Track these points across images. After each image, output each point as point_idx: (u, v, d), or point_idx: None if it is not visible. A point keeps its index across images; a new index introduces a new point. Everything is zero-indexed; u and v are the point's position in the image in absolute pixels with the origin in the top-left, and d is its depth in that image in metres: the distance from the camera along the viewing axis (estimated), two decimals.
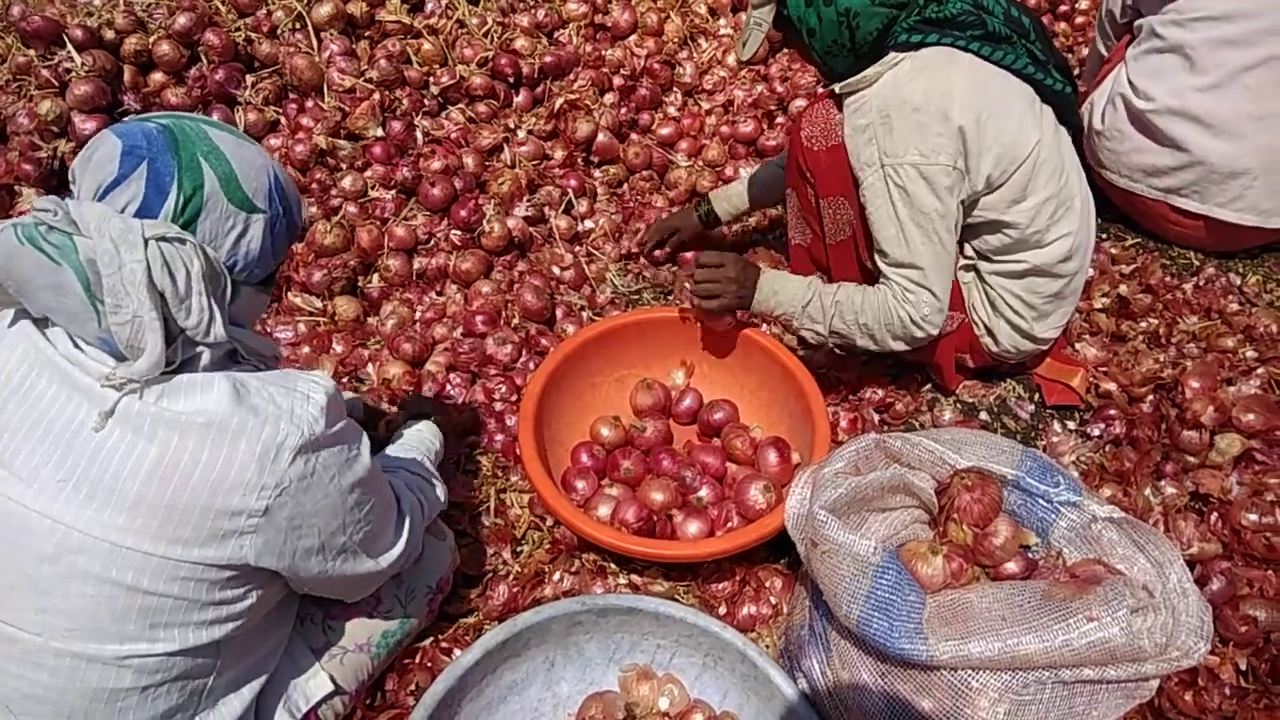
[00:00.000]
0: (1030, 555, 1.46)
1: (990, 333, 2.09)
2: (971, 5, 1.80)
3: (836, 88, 1.86)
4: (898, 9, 1.78)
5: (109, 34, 2.36)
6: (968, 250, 2.02)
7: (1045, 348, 2.17)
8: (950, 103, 1.74)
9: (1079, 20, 3.53)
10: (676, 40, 3.01)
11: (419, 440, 1.73)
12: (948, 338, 2.10)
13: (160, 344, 1.05)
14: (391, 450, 1.68)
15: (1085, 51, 3.37)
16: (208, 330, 1.10)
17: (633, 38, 2.98)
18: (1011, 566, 1.43)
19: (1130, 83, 2.56)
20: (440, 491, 1.63)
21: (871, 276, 1.99)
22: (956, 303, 2.06)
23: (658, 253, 2.62)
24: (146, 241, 1.04)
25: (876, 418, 2.21)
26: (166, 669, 1.16)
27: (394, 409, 2.00)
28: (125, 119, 1.23)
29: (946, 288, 1.87)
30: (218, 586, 1.16)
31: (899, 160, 1.77)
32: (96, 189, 1.09)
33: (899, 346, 1.94)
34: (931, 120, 1.75)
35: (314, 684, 1.43)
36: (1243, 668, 1.69)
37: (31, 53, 2.31)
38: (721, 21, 3.12)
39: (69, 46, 2.29)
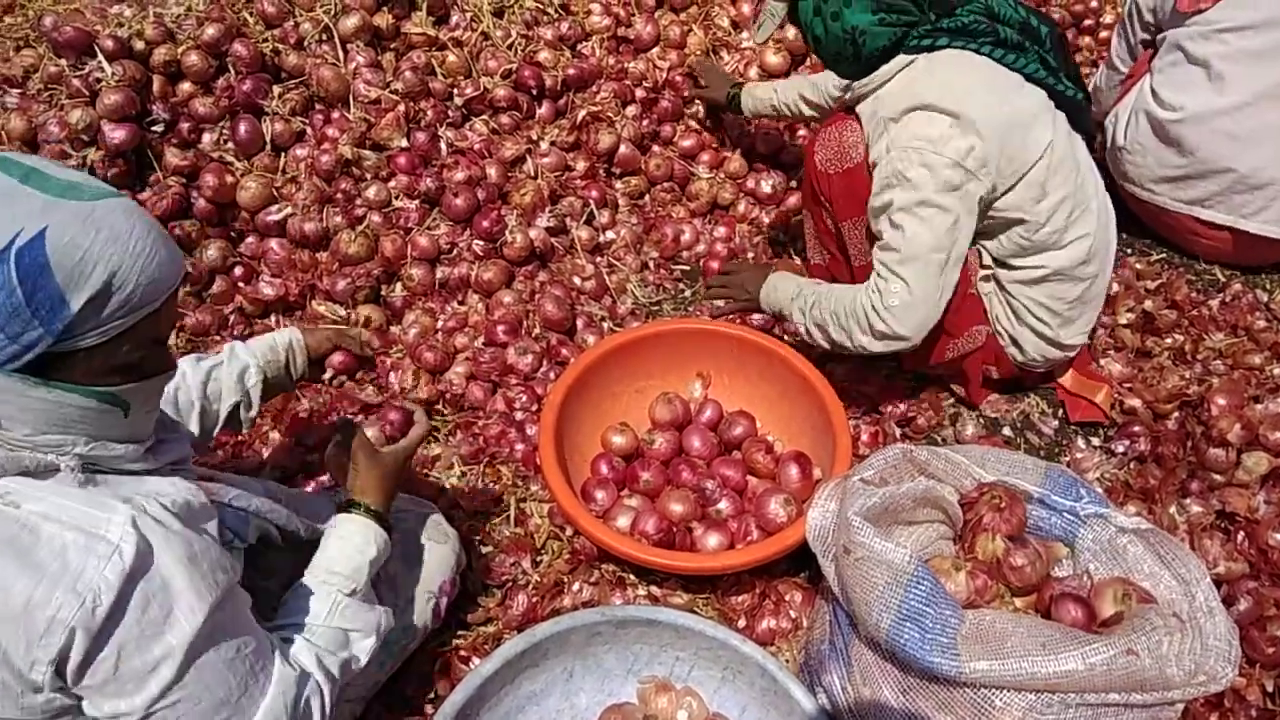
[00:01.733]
0: (1058, 575, 1.45)
1: (1015, 342, 2.08)
2: (984, 14, 1.82)
3: (847, 96, 1.90)
4: (907, 26, 1.80)
5: (139, 44, 2.38)
6: (985, 258, 2.01)
7: (1072, 354, 2.15)
8: (964, 100, 1.74)
9: (1103, 35, 3.51)
10: (699, 53, 3.02)
11: (341, 561, 1.32)
12: (975, 353, 2.09)
13: None
14: (309, 595, 1.29)
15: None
16: None
17: (655, 50, 2.99)
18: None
19: (1155, 95, 2.56)
20: (363, 646, 1.30)
21: None
22: (979, 316, 2.05)
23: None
24: None
25: (898, 432, 2.20)
26: None
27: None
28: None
29: (928, 287, 1.77)
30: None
31: (905, 146, 1.76)
32: None
33: (868, 342, 1.84)
34: (942, 115, 1.74)
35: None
36: (1269, 689, 1.66)
37: (63, 62, 2.34)
38: (744, 35, 3.12)
39: (100, 56, 2.31)
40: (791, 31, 2.75)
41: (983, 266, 2.02)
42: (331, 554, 1.34)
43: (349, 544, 1.34)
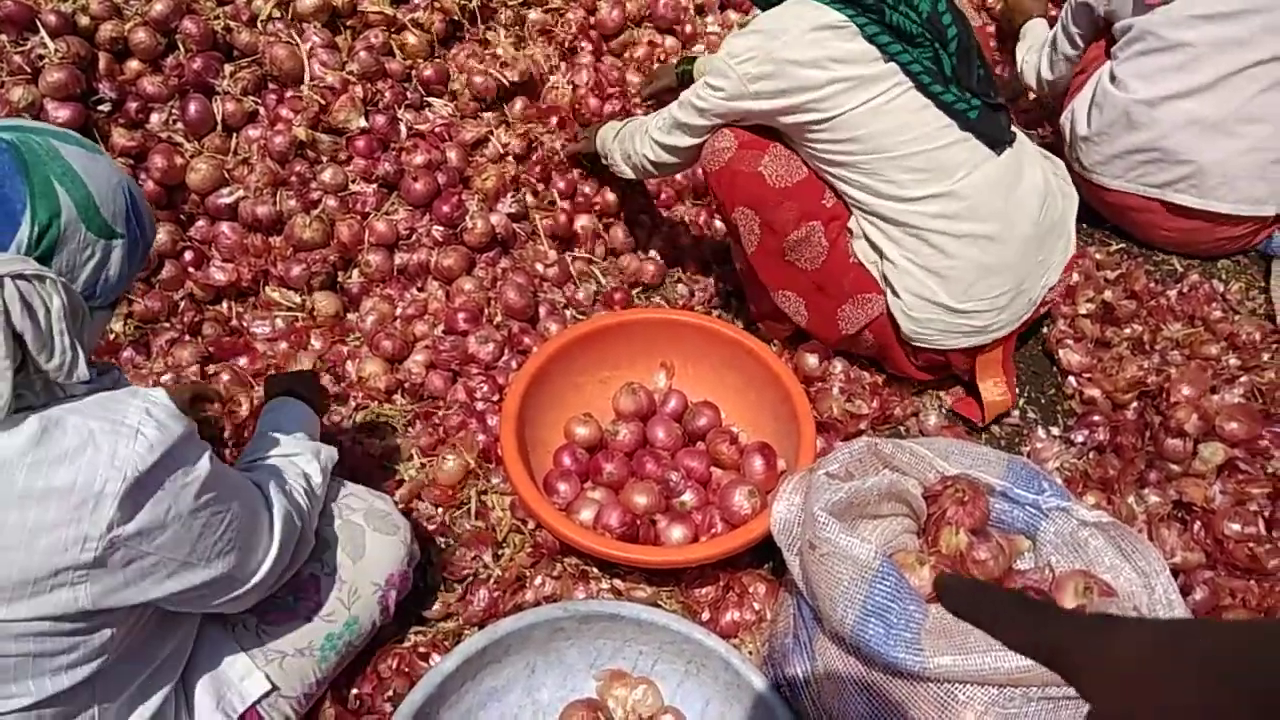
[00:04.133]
0: (1020, 569, 1.46)
1: (906, 312, 2.02)
2: None
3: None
4: None
5: (84, 20, 2.29)
6: (857, 226, 2.03)
7: (974, 331, 2.05)
8: (775, 28, 1.85)
9: None
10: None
11: (287, 419, 1.58)
12: (878, 323, 2.09)
13: (8, 392, 0.96)
14: (255, 445, 1.51)
15: None
16: (70, 371, 1.01)
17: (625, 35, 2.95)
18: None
19: (1117, 82, 2.54)
20: (316, 473, 1.47)
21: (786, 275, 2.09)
22: (868, 283, 2.05)
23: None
24: (2, 280, 0.94)
25: (862, 425, 2.19)
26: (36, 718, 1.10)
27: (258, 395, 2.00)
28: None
29: (676, 140, 2.10)
30: (62, 635, 1.07)
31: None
32: None
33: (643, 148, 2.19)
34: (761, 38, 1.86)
35: (249, 683, 1.37)
36: None
37: (3, 38, 2.25)
38: (709, 19, 3.09)
39: (42, 32, 2.22)
40: None
41: (851, 232, 2.04)
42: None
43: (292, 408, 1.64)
